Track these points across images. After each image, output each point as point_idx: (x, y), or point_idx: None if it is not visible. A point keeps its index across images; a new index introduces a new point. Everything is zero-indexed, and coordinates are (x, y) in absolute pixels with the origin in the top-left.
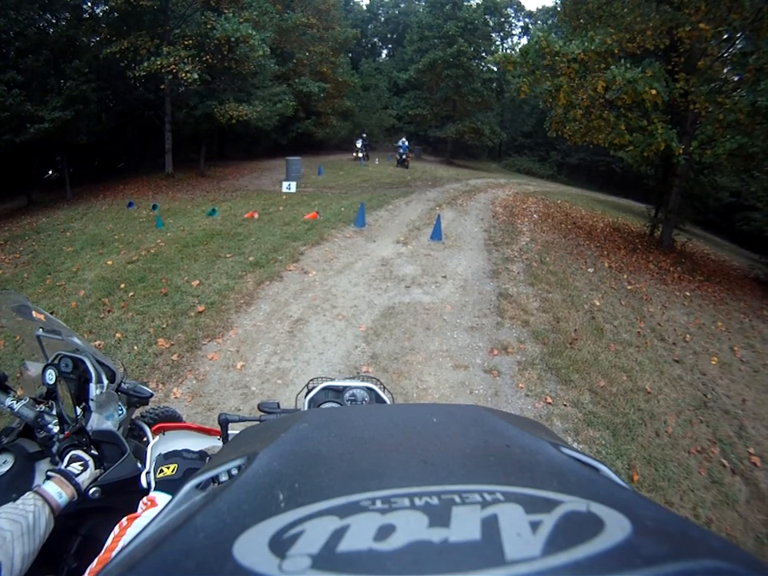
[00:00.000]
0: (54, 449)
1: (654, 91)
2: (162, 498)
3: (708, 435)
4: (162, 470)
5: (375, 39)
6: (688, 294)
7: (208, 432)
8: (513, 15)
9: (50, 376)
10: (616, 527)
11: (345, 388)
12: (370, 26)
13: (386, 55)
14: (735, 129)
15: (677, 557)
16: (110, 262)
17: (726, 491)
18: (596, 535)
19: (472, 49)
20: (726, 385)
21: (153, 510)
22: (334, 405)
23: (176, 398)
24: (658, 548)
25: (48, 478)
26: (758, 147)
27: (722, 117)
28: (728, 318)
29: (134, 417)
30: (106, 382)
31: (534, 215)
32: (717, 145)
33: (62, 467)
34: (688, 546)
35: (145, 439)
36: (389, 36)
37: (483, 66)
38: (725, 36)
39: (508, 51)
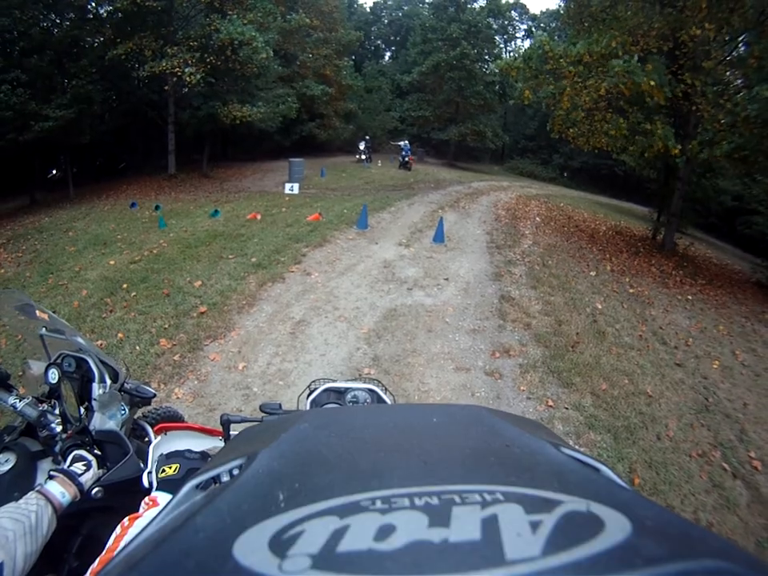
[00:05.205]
0: (57, 448)
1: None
2: (163, 498)
3: (709, 439)
4: (164, 470)
5: (378, 41)
6: (690, 297)
7: (210, 432)
8: (516, 18)
9: (53, 375)
10: (616, 527)
11: (346, 389)
12: (373, 29)
13: (389, 57)
14: (733, 131)
15: (677, 557)
16: (112, 262)
17: (727, 495)
18: (596, 535)
19: (475, 51)
20: (728, 389)
21: (154, 510)
22: (335, 406)
23: (178, 398)
24: (658, 548)
25: (51, 477)
26: (750, 150)
27: (722, 117)
28: (730, 321)
29: (136, 417)
30: (108, 381)
31: (537, 218)
32: (716, 147)
33: (65, 467)
34: (688, 546)
35: (147, 439)
36: (392, 38)
37: (486, 69)
38: (726, 38)
39: (511, 55)
